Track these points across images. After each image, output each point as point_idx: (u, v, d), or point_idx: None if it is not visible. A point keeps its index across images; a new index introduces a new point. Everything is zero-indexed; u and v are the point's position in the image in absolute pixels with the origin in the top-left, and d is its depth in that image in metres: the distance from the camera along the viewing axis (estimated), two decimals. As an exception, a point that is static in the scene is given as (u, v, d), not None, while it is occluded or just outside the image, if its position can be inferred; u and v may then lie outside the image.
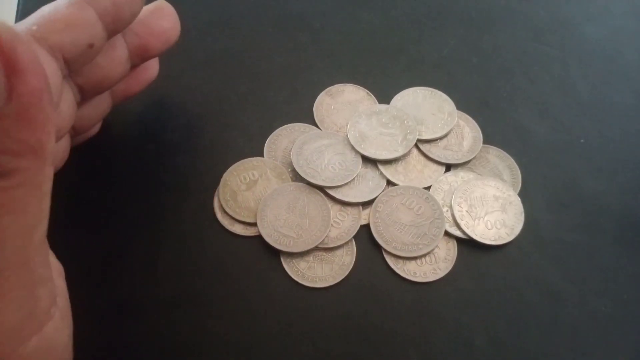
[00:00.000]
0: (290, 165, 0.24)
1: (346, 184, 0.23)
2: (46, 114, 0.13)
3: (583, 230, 0.23)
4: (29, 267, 0.14)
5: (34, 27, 0.16)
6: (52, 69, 0.16)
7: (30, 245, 0.14)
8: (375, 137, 0.24)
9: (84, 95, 0.20)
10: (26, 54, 0.12)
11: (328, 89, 0.26)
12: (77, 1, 0.16)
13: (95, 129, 0.24)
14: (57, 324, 0.15)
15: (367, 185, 0.23)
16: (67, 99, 0.18)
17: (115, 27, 0.18)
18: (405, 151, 0.24)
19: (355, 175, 0.23)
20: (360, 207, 0.23)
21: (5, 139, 0.12)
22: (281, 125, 0.25)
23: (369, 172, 0.24)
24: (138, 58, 0.21)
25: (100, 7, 0.17)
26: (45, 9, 0.16)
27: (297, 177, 0.23)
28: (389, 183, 0.24)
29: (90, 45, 0.17)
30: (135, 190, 0.23)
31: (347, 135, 0.24)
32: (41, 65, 0.13)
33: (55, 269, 0.16)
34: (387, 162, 0.24)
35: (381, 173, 0.24)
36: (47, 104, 0.13)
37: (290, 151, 0.24)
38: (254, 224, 0.22)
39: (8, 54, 0.12)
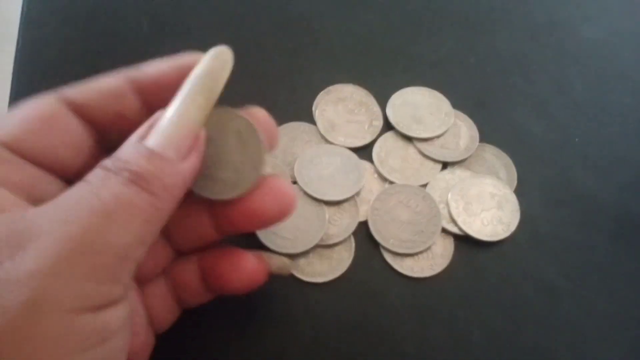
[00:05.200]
0: (290, 165, 0.24)
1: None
2: None
3: (578, 227, 0.23)
4: None
5: None
6: None
7: None
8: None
9: None
10: None
11: (327, 88, 0.27)
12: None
13: None
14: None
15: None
16: None
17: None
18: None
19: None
20: (357, 205, 0.23)
21: None
22: (281, 124, 0.25)
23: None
24: None
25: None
26: None
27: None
28: (387, 181, 0.24)
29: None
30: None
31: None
32: None
33: None
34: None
35: (376, 170, 0.24)
36: None
37: (290, 150, 0.24)
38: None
39: None
